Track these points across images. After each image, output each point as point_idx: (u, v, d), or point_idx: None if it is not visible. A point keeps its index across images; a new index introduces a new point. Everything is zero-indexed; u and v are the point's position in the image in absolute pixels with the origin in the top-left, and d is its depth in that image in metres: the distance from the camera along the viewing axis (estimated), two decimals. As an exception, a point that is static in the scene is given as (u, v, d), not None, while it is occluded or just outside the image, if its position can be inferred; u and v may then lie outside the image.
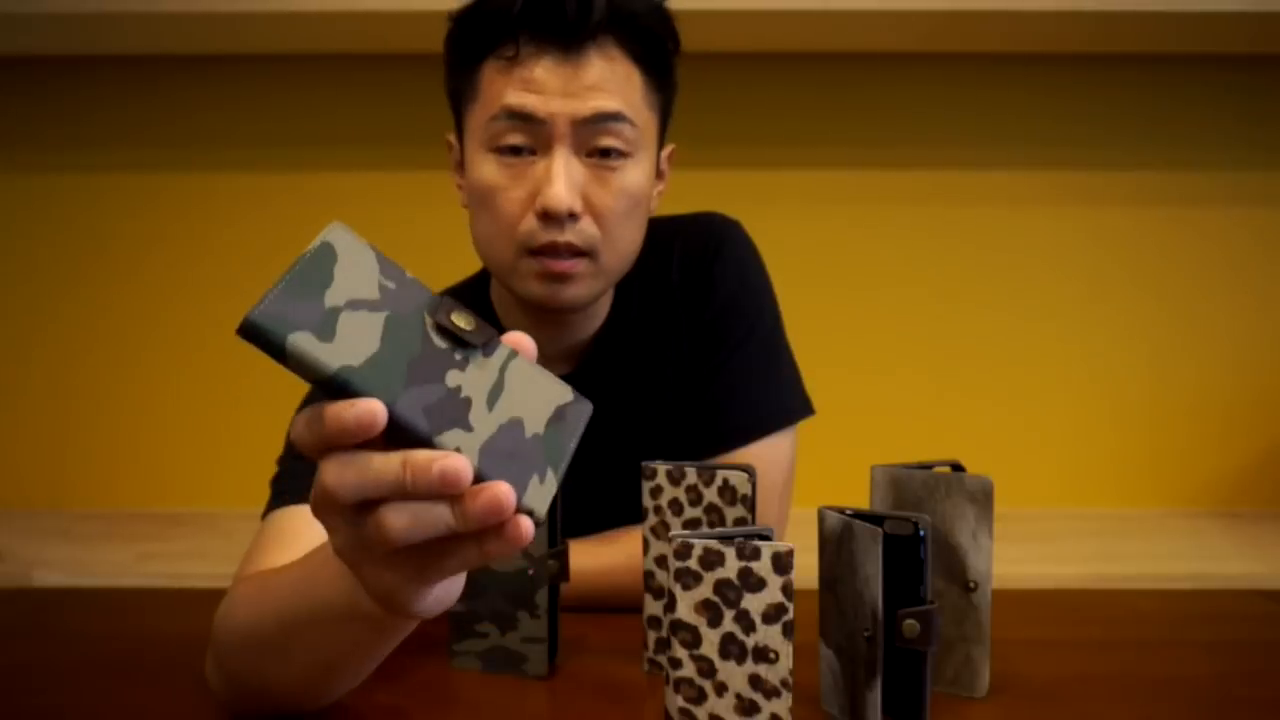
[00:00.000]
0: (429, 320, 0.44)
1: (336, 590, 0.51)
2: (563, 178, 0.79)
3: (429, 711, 0.68)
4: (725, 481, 0.68)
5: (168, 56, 1.78)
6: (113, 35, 1.64)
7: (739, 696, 0.56)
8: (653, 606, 0.71)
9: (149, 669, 0.74)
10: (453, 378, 0.43)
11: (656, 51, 0.85)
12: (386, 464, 0.41)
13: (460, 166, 0.88)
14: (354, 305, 0.42)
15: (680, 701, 0.57)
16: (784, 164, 1.84)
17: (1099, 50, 1.76)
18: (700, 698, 0.57)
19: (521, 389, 0.45)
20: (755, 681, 0.56)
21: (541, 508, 0.44)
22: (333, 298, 0.42)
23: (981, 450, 1.78)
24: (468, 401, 0.43)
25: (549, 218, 0.79)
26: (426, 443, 0.42)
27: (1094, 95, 1.83)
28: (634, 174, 0.83)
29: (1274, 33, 1.63)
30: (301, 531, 0.73)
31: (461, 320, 0.45)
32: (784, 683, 0.56)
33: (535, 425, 0.45)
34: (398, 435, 0.42)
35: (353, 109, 1.83)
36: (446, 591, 0.48)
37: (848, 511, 0.62)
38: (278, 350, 0.40)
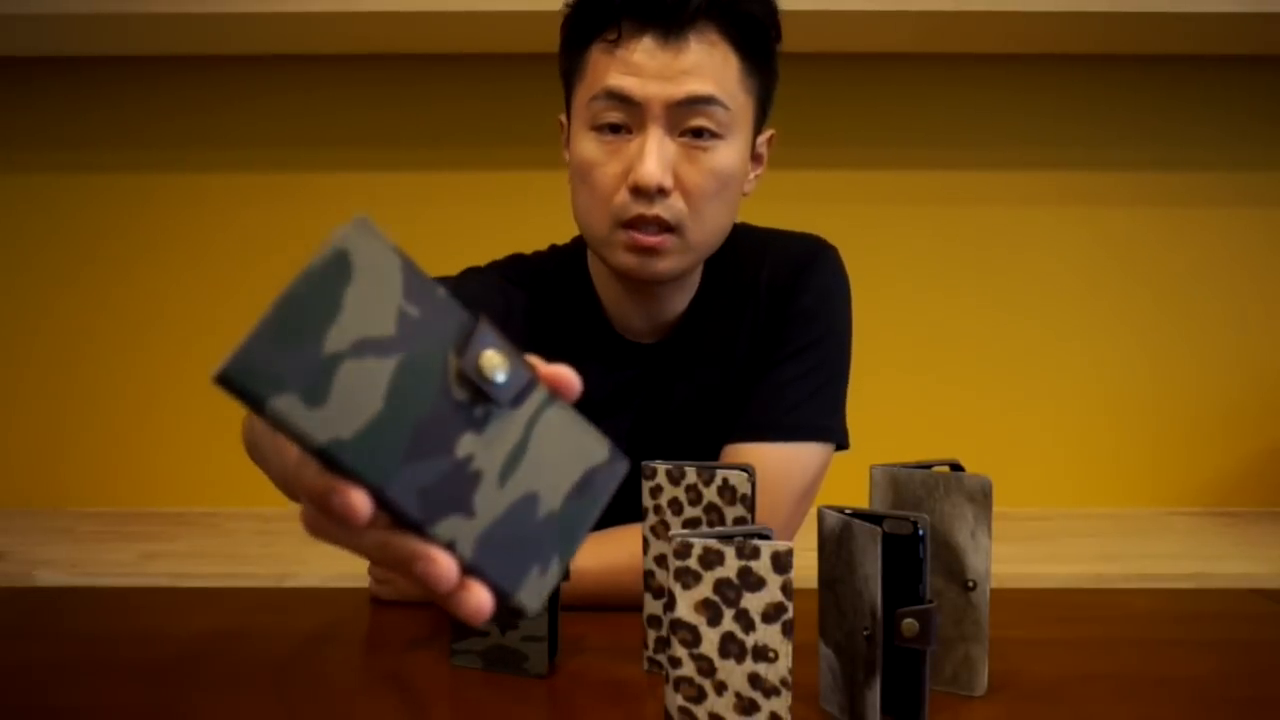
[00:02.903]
0: (453, 364, 0.38)
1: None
2: (654, 155, 0.83)
3: (429, 711, 0.68)
4: (725, 481, 0.68)
5: (166, 57, 1.78)
6: (112, 35, 1.65)
7: (738, 695, 0.56)
8: (653, 606, 0.71)
9: (149, 669, 0.74)
10: (465, 445, 0.38)
11: (756, 37, 0.87)
12: (366, 540, 0.39)
13: (568, 143, 0.92)
14: (360, 350, 0.36)
15: (680, 700, 0.57)
16: (785, 164, 1.83)
17: (1100, 51, 1.76)
18: (700, 696, 0.57)
19: (548, 449, 0.40)
20: (755, 680, 0.56)
21: (535, 604, 0.39)
22: (336, 339, 0.35)
23: (981, 450, 1.78)
24: (476, 476, 0.38)
25: (640, 192, 0.84)
26: (418, 529, 0.37)
27: (1095, 95, 1.83)
28: (725, 155, 0.86)
29: (1274, 33, 1.63)
30: None
31: (491, 365, 0.38)
32: (783, 681, 0.56)
33: (553, 500, 0.40)
34: (389, 511, 0.37)
35: (352, 109, 1.83)
36: None
37: (847, 511, 0.62)
38: (257, 410, 0.34)
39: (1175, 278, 1.86)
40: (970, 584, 0.67)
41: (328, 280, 0.35)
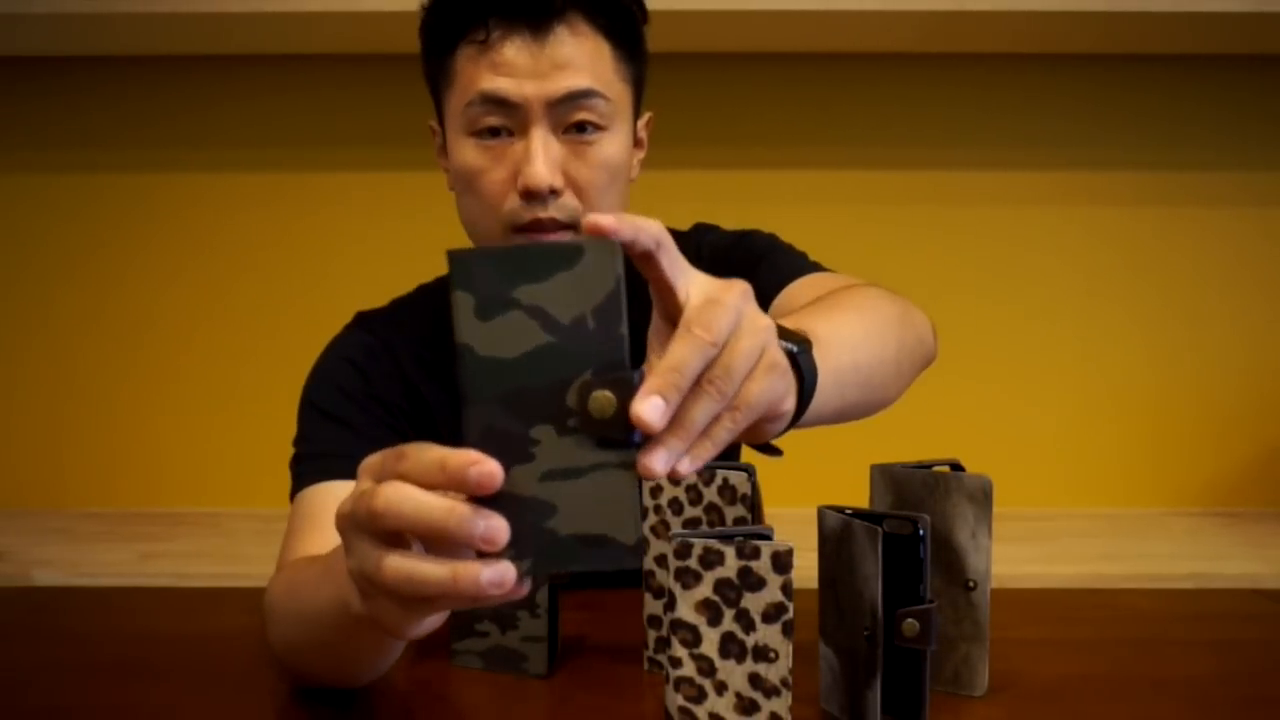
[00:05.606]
0: (583, 378, 0.42)
1: (337, 596, 0.53)
2: (541, 156, 0.80)
3: (429, 711, 0.68)
4: (725, 481, 0.68)
5: (166, 56, 1.77)
6: (111, 35, 1.64)
7: (739, 695, 0.56)
8: (653, 605, 0.71)
9: (149, 669, 0.74)
10: (540, 432, 0.42)
11: (624, 23, 0.85)
12: (433, 504, 0.42)
13: (444, 150, 0.90)
14: (534, 314, 0.42)
15: (680, 700, 0.57)
16: (784, 164, 1.84)
17: (1099, 50, 1.76)
18: (700, 696, 0.57)
19: (590, 496, 0.43)
20: (755, 680, 0.56)
21: (494, 589, 0.43)
22: (527, 295, 0.42)
23: (981, 450, 1.78)
24: (530, 457, 0.42)
25: (531, 195, 0.81)
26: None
27: (1095, 95, 1.83)
28: (611, 146, 0.84)
29: (1274, 33, 1.63)
30: (329, 509, 0.77)
31: (600, 405, 0.42)
32: (783, 681, 0.56)
33: (564, 526, 0.43)
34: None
35: (352, 109, 1.83)
36: (437, 618, 0.49)
37: (847, 511, 0.62)
38: (448, 291, 0.43)
39: (1175, 278, 1.86)
40: (970, 584, 0.67)
41: (554, 258, 0.42)
